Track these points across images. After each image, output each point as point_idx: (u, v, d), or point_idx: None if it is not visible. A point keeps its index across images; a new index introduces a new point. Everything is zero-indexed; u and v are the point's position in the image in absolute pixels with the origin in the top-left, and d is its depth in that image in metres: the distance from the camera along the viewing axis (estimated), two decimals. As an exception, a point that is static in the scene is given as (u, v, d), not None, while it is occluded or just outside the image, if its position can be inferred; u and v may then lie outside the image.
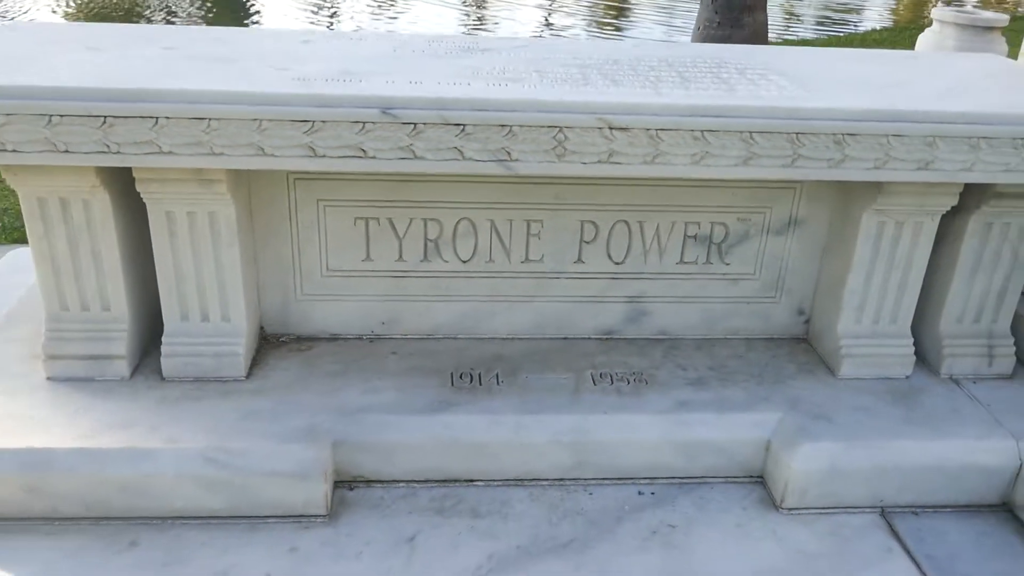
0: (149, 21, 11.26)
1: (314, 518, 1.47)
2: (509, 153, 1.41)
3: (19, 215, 3.00)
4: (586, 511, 1.53)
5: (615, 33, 11.19)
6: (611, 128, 1.40)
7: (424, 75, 1.51)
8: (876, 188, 1.58)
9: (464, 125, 1.38)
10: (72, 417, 1.50)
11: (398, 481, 1.56)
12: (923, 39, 2.82)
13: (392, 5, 12.69)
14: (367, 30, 2.35)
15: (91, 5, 12.06)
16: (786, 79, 1.62)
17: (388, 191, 1.66)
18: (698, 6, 5.59)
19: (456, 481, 1.57)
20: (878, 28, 10.68)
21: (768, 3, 5.51)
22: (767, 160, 1.44)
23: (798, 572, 1.42)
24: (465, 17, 12.53)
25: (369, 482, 1.56)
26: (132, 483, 1.43)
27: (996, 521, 1.57)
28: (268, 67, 1.51)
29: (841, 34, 10.51)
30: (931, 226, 1.65)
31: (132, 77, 1.40)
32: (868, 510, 1.56)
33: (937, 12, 2.75)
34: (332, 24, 11.40)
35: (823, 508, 1.55)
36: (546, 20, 12.31)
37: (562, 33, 11.35)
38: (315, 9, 12.44)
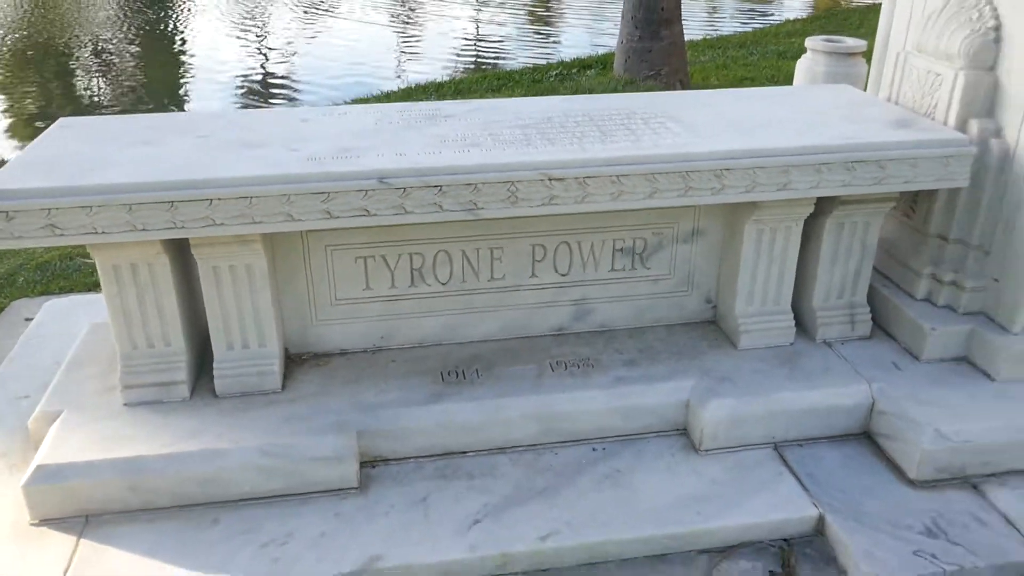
0: (76, 58, 11.45)
1: (348, 491, 1.93)
2: (475, 204, 1.88)
3: (35, 269, 3.39)
4: (554, 467, 2.01)
5: (545, 41, 11.67)
6: (550, 179, 1.88)
7: (405, 147, 1.97)
8: (753, 205, 2.08)
9: (441, 186, 1.85)
10: (153, 432, 1.94)
11: (409, 458, 2.03)
12: (800, 64, 3.34)
13: (316, 19, 13.04)
14: (351, 106, 2.70)
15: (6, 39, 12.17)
16: (680, 126, 2.12)
17: (380, 234, 2.12)
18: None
19: (453, 454, 2.04)
20: (792, 19, 11.32)
21: (684, 5, 6.04)
22: (667, 193, 1.94)
23: (712, 496, 1.92)
24: (400, 33, 12.87)
25: (387, 460, 2.02)
26: (208, 477, 1.88)
27: (859, 445, 2.09)
28: (284, 149, 1.96)
29: (760, 27, 11.14)
30: (797, 229, 2.16)
31: (188, 167, 1.85)
32: (764, 446, 2.07)
33: (809, 41, 3.28)
34: (261, 47, 11.70)
35: (730, 447, 2.05)
36: (476, 34, 12.73)
37: (493, 45, 11.80)
38: (243, 31, 12.72)
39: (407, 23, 14.01)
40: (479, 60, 10.98)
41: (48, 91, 9.90)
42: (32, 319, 2.82)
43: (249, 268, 1.98)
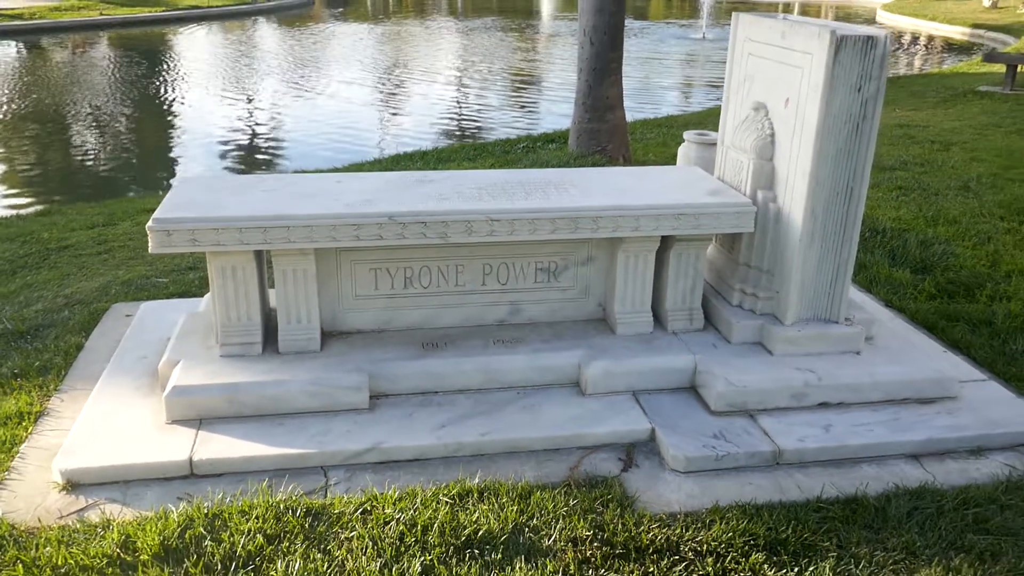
0: (70, 122, 12.71)
1: (362, 410, 3.09)
2: (446, 234, 3.10)
3: (121, 284, 4.56)
4: (491, 401, 3.19)
5: (524, 112, 13.07)
6: (491, 220, 3.11)
7: (403, 198, 3.20)
8: (620, 240, 3.31)
9: (425, 222, 3.07)
10: (240, 371, 3.11)
11: (400, 394, 3.20)
12: (680, 149, 4.59)
13: (305, 87, 14.42)
14: (369, 172, 3.80)
15: None
16: (578, 191, 3.36)
17: (386, 254, 3.32)
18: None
19: (428, 392, 3.22)
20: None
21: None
22: (563, 231, 3.17)
23: (588, 417, 3.10)
24: (383, 104, 14.23)
25: (387, 395, 3.19)
26: (276, 395, 3.04)
27: (685, 393, 3.27)
28: (329, 198, 3.18)
29: (713, 106, 12.59)
30: (651, 257, 3.39)
31: (272, 207, 3.05)
32: (626, 392, 3.26)
33: (685, 134, 4.52)
34: (251, 112, 13.03)
35: (604, 393, 3.24)
36: (460, 105, 14.15)
37: (477, 115, 13.20)
38: (233, 99, 14.05)
39: (393, 95, 15.39)
40: (463, 128, 12.34)
41: (42, 150, 11.07)
42: (131, 315, 3.99)
43: (305, 272, 3.17)
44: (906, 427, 3.10)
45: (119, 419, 3.02)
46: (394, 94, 15.55)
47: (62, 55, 21.13)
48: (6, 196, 9.00)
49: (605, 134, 7.17)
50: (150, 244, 2.96)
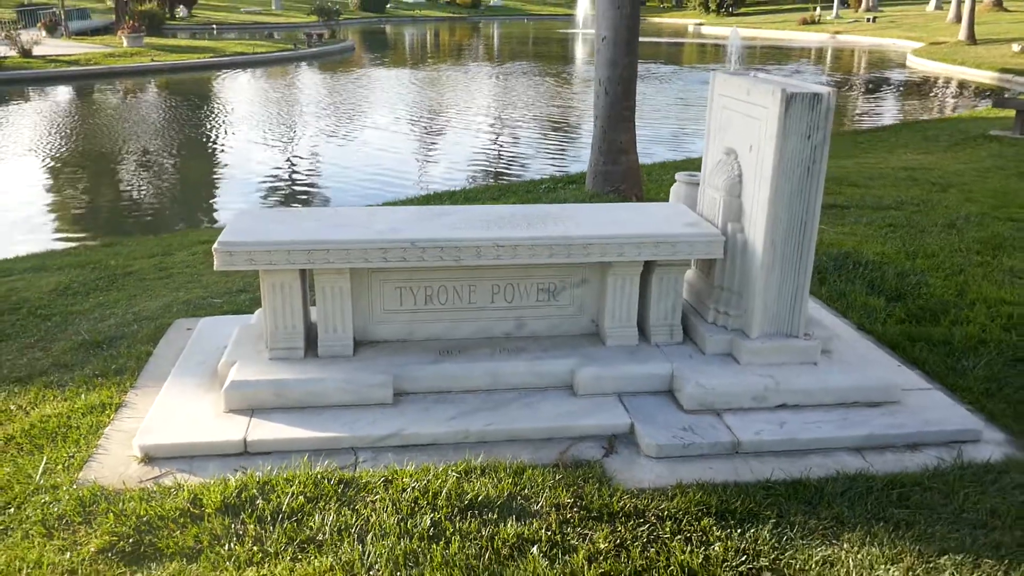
0: (123, 163, 13.59)
1: (386, 405, 3.67)
2: (459, 257, 3.69)
3: (182, 303, 5.21)
4: (497, 399, 3.75)
5: (556, 154, 13.73)
6: (498, 246, 3.70)
7: (425, 228, 3.80)
8: (609, 264, 3.88)
9: (442, 247, 3.67)
10: (287, 370, 3.72)
11: (419, 392, 3.78)
12: (673, 188, 5.15)
13: (346, 128, 15.25)
14: (398, 207, 4.45)
15: None
16: (574, 223, 3.94)
17: (409, 274, 3.92)
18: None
19: (443, 391, 3.79)
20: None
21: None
22: (559, 256, 3.75)
23: (578, 412, 3.65)
24: (419, 147, 14.99)
25: (408, 393, 3.77)
26: (316, 391, 3.63)
27: (664, 396, 3.81)
28: (363, 227, 3.79)
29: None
30: (636, 279, 3.95)
31: (315, 234, 3.67)
32: (612, 394, 3.80)
33: (677, 175, 5.10)
34: (292, 154, 13.82)
35: (593, 394, 3.78)
36: (498, 143, 14.85)
37: (512, 156, 13.88)
38: (275, 142, 14.88)
39: (429, 137, 16.16)
40: (493, 170, 13.02)
41: (95, 188, 11.92)
42: (191, 329, 4.63)
43: (341, 289, 3.78)
44: (851, 425, 3.61)
45: (186, 408, 3.63)
46: (429, 137, 16.33)
47: (115, 99, 22.32)
48: (63, 230, 9.81)
49: (619, 176, 7.77)
50: (215, 262, 3.59)
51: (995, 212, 7.35)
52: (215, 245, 3.59)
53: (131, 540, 2.85)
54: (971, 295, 5.19)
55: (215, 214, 10.86)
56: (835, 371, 3.85)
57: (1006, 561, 2.83)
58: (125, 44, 30.03)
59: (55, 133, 16.07)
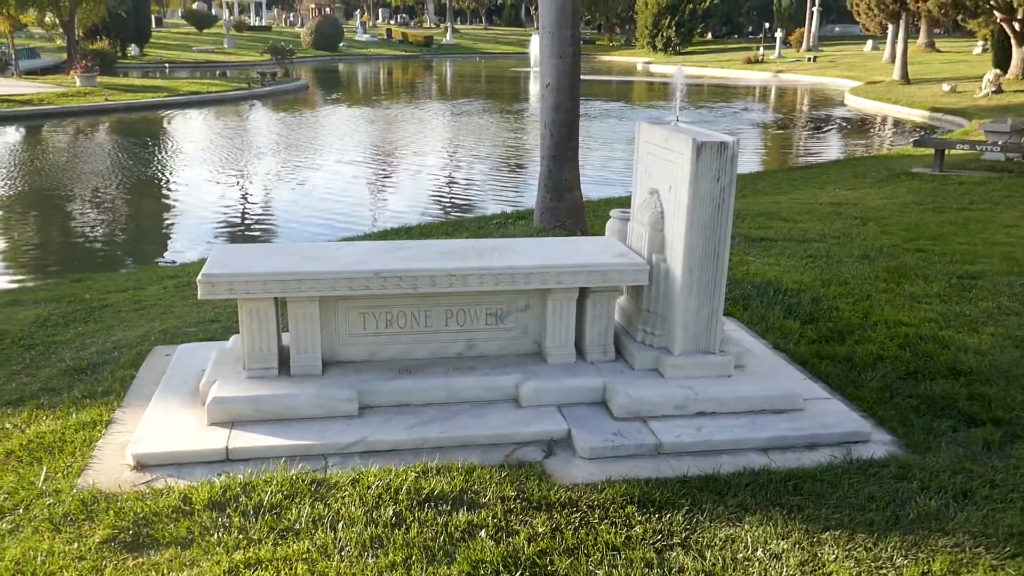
0: (71, 203, 13.87)
1: (352, 416, 4.13)
2: (416, 286, 4.19)
3: (160, 332, 5.62)
4: (450, 411, 4.23)
5: (508, 190, 14.31)
6: (450, 276, 4.20)
7: (386, 260, 4.30)
8: (548, 290, 4.40)
9: (401, 277, 4.16)
10: (263, 387, 4.16)
11: (382, 405, 4.24)
12: (608, 223, 5.73)
13: (299, 166, 15.70)
14: (362, 242, 4.95)
15: None
16: (517, 255, 4.47)
17: (371, 301, 4.40)
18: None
19: (403, 405, 4.26)
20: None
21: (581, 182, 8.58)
22: (504, 284, 4.26)
23: (521, 421, 4.14)
24: (374, 184, 15.47)
25: (372, 407, 4.23)
26: (290, 405, 4.08)
27: (599, 407, 4.32)
28: (331, 260, 4.28)
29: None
30: (573, 304, 4.48)
31: (287, 267, 4.15)
32: (552, 405, 4.31)
33: (612, 212, 5.69)
34: (245, 192, 14.19)
35: (535, 405, 4.28)
36: (451, 181, 15.41)
37: (463, 191, 14.44)
38: (228, 177, 15.26)
39: (383, 175, 16.67)
40: (447, 205, 13.56)
41: (47, 230, 12.23)
42: (170, 355, 5.04)
43: (311, 315, 4.25)
44: (759, 429, 4.16)
45: (172, 422, 4.06)
46: (383, 175, 16.83)
47: (68, 139, 22.48)
48: (15, 269, 10.10)
49: (565, 211, 8.35)
50: (200, 292, 4.04)
51: (906, 244, 8.05)
52: (199, 277, 4.05)
53: (130, 532, 3.27)
54: (874, 318, 5.81)
55: (166, 252, 11.20)
56: (746, 383, 4.41)
57: (875, 535, 3.37)
58: (78, 83, 30.18)
59: (7, 173, 16.25)
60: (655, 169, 4.55)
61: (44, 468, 3.75)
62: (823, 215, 9.92)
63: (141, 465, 3.78)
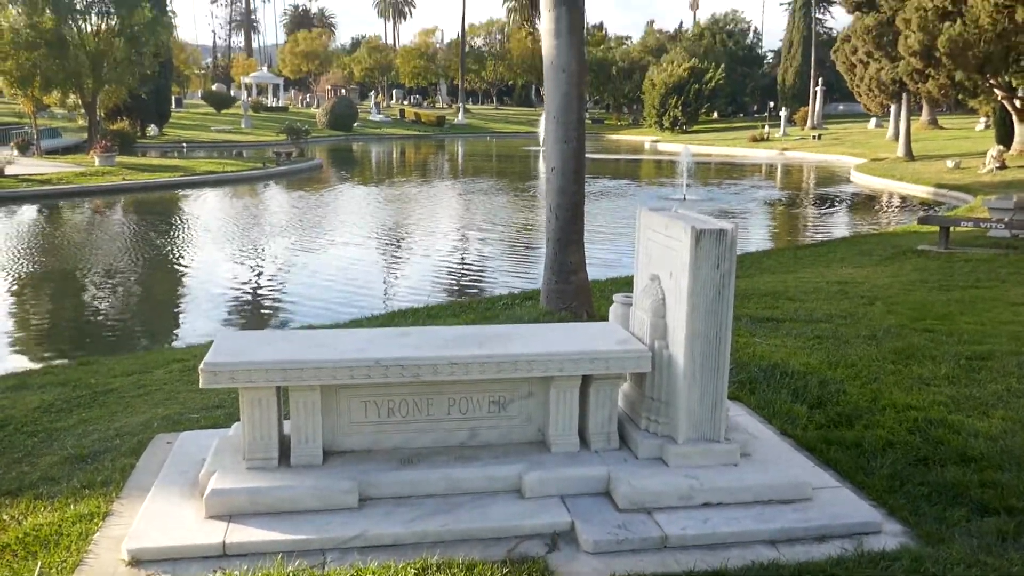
0: (87, 282, 13.98)
1: (352, 508, 4.07)
2: (418, 374, 4.18)
3: (161, 419, 5.60)
4: (452, 503, 4.17)
5: (519, 268, 14.36)
6: (452, 364, 4.20)
7: (388, 347, 4.30)
8: (551, 378, 4.38)
9: (403, 365, 4.16)
10: (263, 478, 4.12)
11: (382, 497, 4.19)
12: (611, 308, 5.74)
13: (312, 245, 15.83)
14: (364, 328, 5.01)
15: None
16: (520, 342, 4.46)
17: (373, 389, 4.38)
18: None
19: (403, 497, 4.20)
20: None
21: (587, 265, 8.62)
22: (506, 372, 4.25)
23: (525, 513, 4.07)
24: (384, 263, 15.57)
25: (372, 498, 4.18)
26: (289, 497, 4.04)
27: (602, 497, 4.25)
28: (333, 348, 4.28)
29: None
30: (575, 392, 4.45)
31: (290, 355, 4.15)
32: (555, 496, 4.24)
33: (615, 296, 5.72)
34: (259, 270, 14.29)
35: (539, 496, 4.22)
36: (460, 260, 15.48)
37: (475, 270, 14.49)
38: (242, 259, 15.39)
39: (394, 254, 16.79)
40: (456, 285, 13.61)
41: (59, 309, 12.32)
42: (171, 443, 5.01)
43: (313, 403, 4.24)
44: (766, 520, 4.08)
45: (170, 515, 4.01)
46: (394, 254, 16.96)
47: (86, 217, 22.82)
48: (30, 347, 10.14)
49: (571, 294, 8.37)
50: (201, 381, 4.04)
51: (913, 324, 8.01)
52: (201, 366, 4.05)
53: (123, 633, 3.20)
54: (883, 401, 5.75)
55: (178, 331, 11.25)
56: (753, 472, 4.34)
57: (888, 633, 3.27)
58: (97, 163, 30.78)
59: (24, 251, 16.47)
60: (656, 255, 4.57)
61: (39, 563, 3.70)
62: (830, 294, 9.90)
63: (136, 560, 3.72)
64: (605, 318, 8.29)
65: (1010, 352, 6.89)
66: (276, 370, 4.08)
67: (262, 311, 12.33)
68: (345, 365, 4.12)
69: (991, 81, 27.61)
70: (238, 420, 4.53)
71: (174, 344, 10.40)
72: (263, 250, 16.86)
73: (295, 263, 15.32)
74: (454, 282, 14.14)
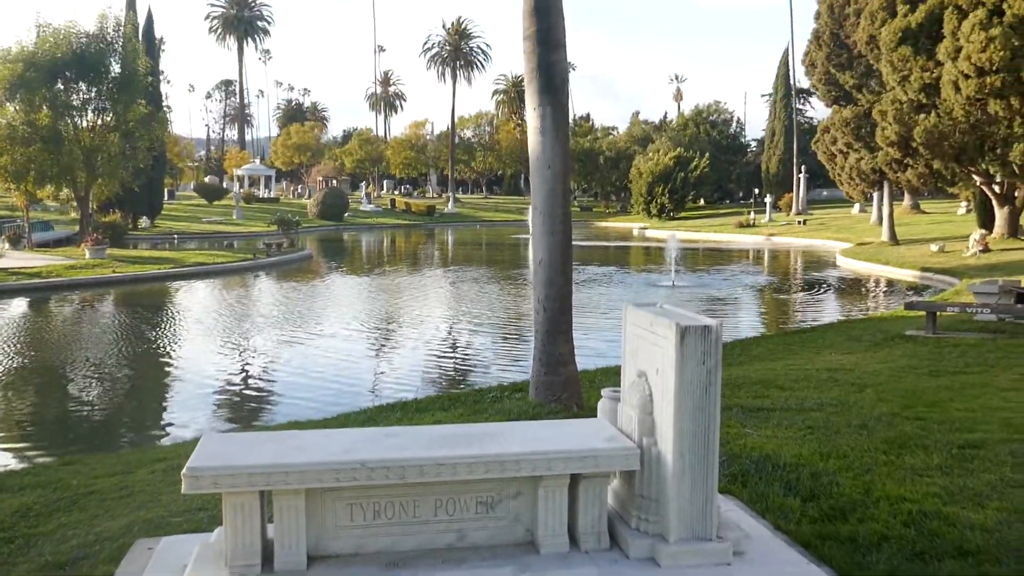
0: (72, 374, 13.88)
1: (337, 617, 3.97)
2: (404, 476, 4.12)
3: (143, 522, 5.48)
4: (439, 608, 4.07)
5: (508, 357, 14.31)
6: (439, 465, 4.15)
7: (374, 450, 4.25)
8: (539, 477, 4.33)
9: (388, 467, 4.10)
10: (243, 587, 4.02)
11: (368, 604, 4.08)
12: (599, 403, 5.73)
13: (301, 337, 15.77)
14: (350, 429, 5.03)
15: None
16: (507, 441, 4.42)
17: (359, 492, 4.31)
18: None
19: (390, 603, 4.10)
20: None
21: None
22: (494, 472, 4.20)
23: (514, 618, 3.97)
24: (373, 354, 15.52)
25: (357, 605, 4.07)
26: (271, 607, 3.93)
27: (592, 600, 4.16)
28: (318, 450, 4.23)
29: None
30: (565, 490, 4.39)
31: (273, 458, 4.10)
32: (545, 600, 4.14)
33: (603, 391, 5.70)
34: (246, 363, 14.20)
35: (528, 599, 4.13)
36: (449, 350, 15.45)
37: (465, 359, 14.44)
38: (230, 351, 15.31)
39: (383, 345, 16.75)
40: (445, 376, 13.53)
41: (44, 404, 12.19)
42: (152, 548, 4.90)
43: (297, 507, 4.16)
44: (761, 622, 3.98)
45: (147, 626, 3.89)
46: (382, 344, 16.93)
47: (74, 311, 22.78)
48: (13, 443, 10.00)
49: (560, 386, 8.34)
50: (184, 486, 3.97)
51: (904, 411, 7.98)
52: (183, 471, 3.99)
53: None
54: (876, 493, 5.68)
55: (164, 427, 11.12)
56: (746, 571, 4.25)
57: None
58: (88, 256, 30.89)
59: (11, 345, 16.38)
60: (642, 351, 4.58)
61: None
62: (820, 381, 9.90)
63: (112, 676, 3.59)
64: (595, 409, 8.26)
65: (1002, 440, 6.86)
66: (260, 474, 4.02)
67: (249, 405, 12.23)
68: (330, 468, 4.07)
69: (969, 168, 28.25)
70: (221, 524, 4.44)
71: (160, 441, 10.27)
72: (251, 343, 16.81)
73: (283, 356, 15.26)
74: (443, 373, 14.08)
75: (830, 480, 5.95)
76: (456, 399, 9.42)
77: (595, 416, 5.38)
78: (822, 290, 26.08)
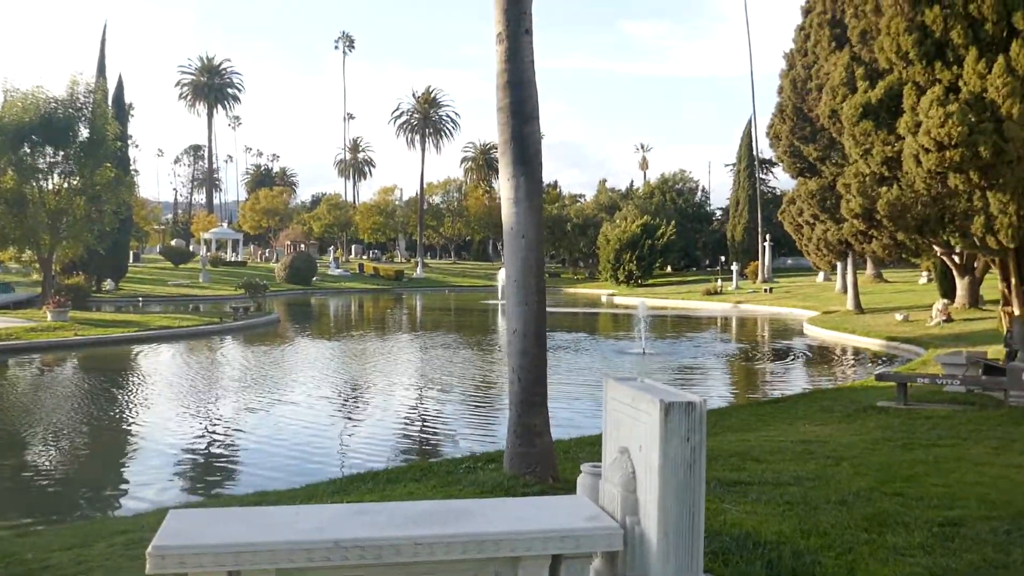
0: (27, 445, 13.43)
1: None
2: (380, 556, 3.96)
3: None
4: None
5: (473, 428, 14.11)
6: (416, 544, 3.99)
7: (346, 527, 4.09)
8: (519, 557, 4.18)
9: (363, 547, 3.94)
10: (207, 676, 3.79)
11: None
12: (579, 478, 5.61)
13: (266, 403, 15.46)
14: (324, 505, 4.83)
15: None
16: (486, 520, 4.28)
17: (331, 571, 4.13)
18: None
19: None
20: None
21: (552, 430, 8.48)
22: (472, 552, 4.05)
23: None
24: (342, 421, 15.26)
25: None
26: None
27: None
28: (289, 528, 4.06)
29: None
30: (544, 570, 4.22)
31: (244, 536, 3.92)
32: None
33: (582, 466, 5.60)
34: (210, 428, 13.86)
35: None
36: (419, 419, 15.20)
37: (435, 426, 14.22)
38: (193, 416, 14.98)
39: (350, 412, 16.47)
40: (415, 445, 13.30)
41: (1, 470, 11.76)
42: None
43: (266, 589, 3.97)
44: None
45: None
46: (351, 411, 16.66)
47: (31, 375, 22.22)
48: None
49: (534, 458, 8.19)
50: (148, 566, 3.77)
51: (882, 487, 7.92)
52: (148, 550, 3.80)
53: None
54: (859, 574, 5.58)
55: (124, 496, 10.75)
56: (733, 657, 4.11)
57: None
58: (50, 318, 30.31)
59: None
60: (625, 426, 4.49)
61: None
62: (796, 454, 9.83)
63: None
64: (569, 482, 8.10)
65: (981, 517, 6.81)
66: (228, 553, 3.84)
67: (213, 475, 11.88)
68: (302, 547, 3.90)
69: (931, 240, 28.82)
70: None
71: (120, 511, 9.91)
72: (215, 409, 16.44)
73: (248, 423, 14.93)
74: (414, 442, 13.84)
75: (812, 559, 5.84)
76: (428, 469, 9.21)
77: (571, 489, 5.25)
78: (791, 359, 26.22)
